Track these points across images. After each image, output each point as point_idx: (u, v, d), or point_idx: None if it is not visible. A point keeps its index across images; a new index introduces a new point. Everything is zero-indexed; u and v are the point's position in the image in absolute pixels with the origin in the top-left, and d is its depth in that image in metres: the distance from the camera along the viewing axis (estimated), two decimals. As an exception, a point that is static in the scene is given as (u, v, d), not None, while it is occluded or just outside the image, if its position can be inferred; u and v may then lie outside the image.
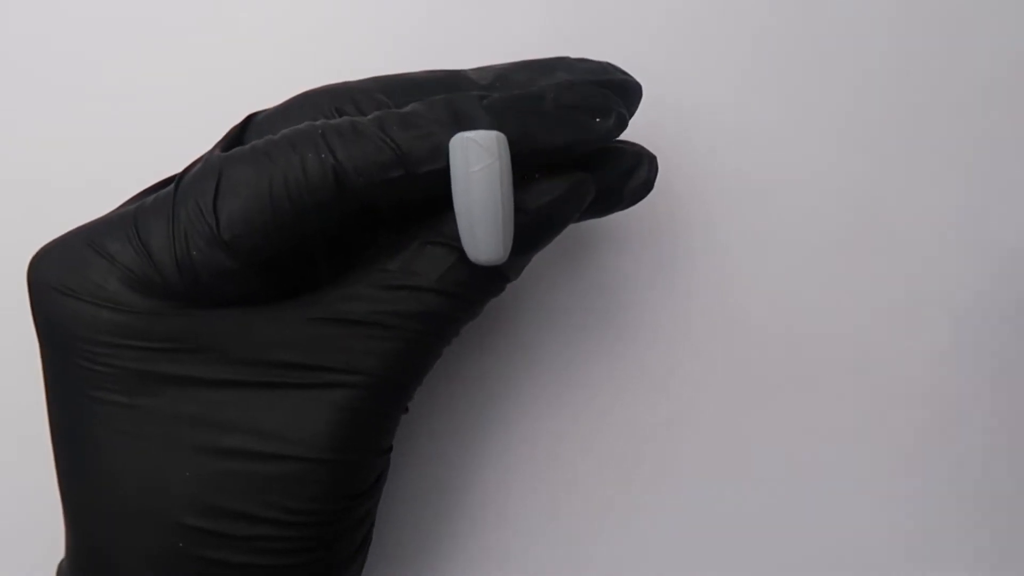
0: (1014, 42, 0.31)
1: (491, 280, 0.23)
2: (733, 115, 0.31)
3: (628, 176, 0.24)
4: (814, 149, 0.31)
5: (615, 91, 0.23)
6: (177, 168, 0.24)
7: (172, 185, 0.22)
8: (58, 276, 0.22)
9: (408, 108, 0.22)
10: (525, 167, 0.22)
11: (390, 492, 0.27)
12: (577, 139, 0.22)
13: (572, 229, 0.23)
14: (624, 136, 0.24)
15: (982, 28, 0.31)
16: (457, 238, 0.22)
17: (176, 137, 0.28)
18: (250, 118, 0.24)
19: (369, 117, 0.21)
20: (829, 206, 0.31)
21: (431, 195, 0.22)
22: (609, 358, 0.30)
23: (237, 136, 0.24)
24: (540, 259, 0.24)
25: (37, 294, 0.22)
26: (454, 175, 0.21)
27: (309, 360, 0.22)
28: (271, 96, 0.25)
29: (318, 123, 0.21)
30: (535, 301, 0.28)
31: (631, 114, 0.24)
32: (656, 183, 0.25)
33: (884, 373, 0.30)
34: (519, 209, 0.22)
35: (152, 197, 0.22)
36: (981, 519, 0.30)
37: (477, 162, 0.20)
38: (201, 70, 0.30)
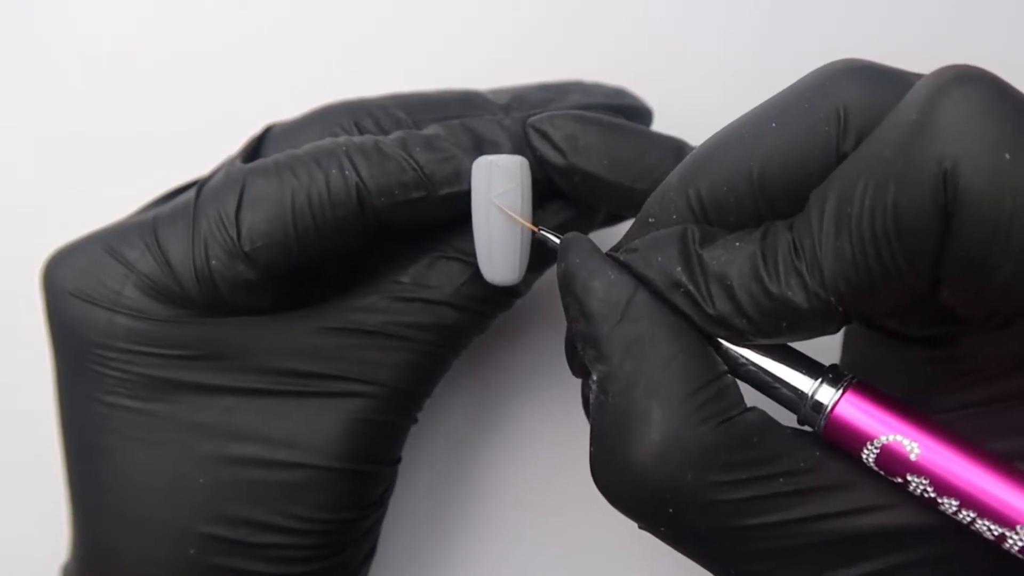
0: (1011, 50, 0.31)
1: (503, 295, 0.24)
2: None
3: None
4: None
5: (626, 115, 0.24)
6: (188, 177, 0.24)
7: (192, 194, 0.22)
8: (74, 281, 0.22)
9: (430, 131, 0.22)
10: (541, 191, 0.22)
11: (394, 504, 0.27)
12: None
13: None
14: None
15: (980, 34, 0.31)
16: (471, 253, 0.22)
17: (190, 145, 0.28)
18: (268, 129, 0.24)
19: (392, 137, 0.22)
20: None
21: (447, 215, 0.22)
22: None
23: (255, 147, 0.24)
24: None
25: (52, 297, 0.22)
26: (475, 198, 0.21)
27: (322, 369, 0.22)
28: (285, 103, 0.25)
29: (341, 140, 0.22)
30: (540, 310, 0.29)
31: None
32: None
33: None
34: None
35: (170, 205, 0.22)
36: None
37: (499, 186, 0.21)
38: (214, 77, 0.30)
